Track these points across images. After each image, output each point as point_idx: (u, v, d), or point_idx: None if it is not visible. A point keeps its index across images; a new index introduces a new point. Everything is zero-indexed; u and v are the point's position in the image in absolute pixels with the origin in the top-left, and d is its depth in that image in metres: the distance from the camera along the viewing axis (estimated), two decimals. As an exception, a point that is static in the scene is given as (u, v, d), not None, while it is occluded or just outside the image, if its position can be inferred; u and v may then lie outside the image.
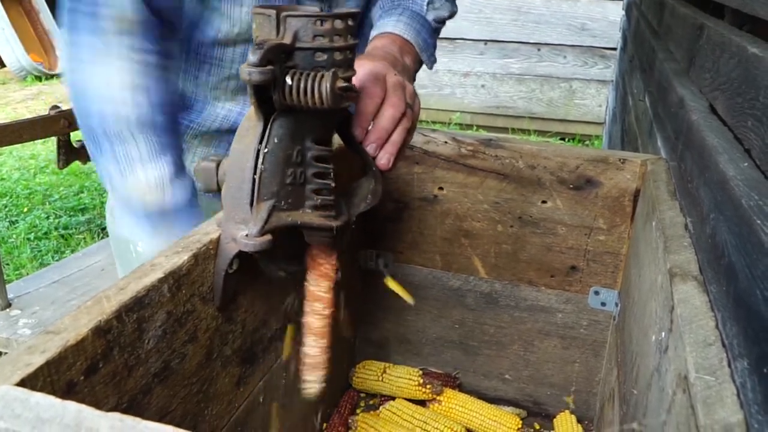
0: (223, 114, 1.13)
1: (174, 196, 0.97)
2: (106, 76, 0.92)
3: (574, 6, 5.04)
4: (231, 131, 1.13)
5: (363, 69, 0.83)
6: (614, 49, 4.91)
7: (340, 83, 0.68)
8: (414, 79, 1.05)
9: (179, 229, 0.96)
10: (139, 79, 0.93)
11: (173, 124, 1.00)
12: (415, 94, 0.90)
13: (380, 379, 1.23)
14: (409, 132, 0.87)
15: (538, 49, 5.20)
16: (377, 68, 0.85)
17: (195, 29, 1.04)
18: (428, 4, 1.14)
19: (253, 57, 0.63)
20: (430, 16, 1.13)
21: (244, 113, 1.11)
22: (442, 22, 1.17)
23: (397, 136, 0.83)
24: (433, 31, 1.14)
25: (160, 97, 0.95)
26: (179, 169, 0.98)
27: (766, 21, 0.83)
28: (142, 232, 1.24)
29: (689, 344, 0.57)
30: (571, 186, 1.08)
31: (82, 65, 0.93)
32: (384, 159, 0.83)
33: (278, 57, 0.67)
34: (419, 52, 1.08)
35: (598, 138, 5.15)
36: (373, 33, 1.09)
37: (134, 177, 0.94)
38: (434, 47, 1.15)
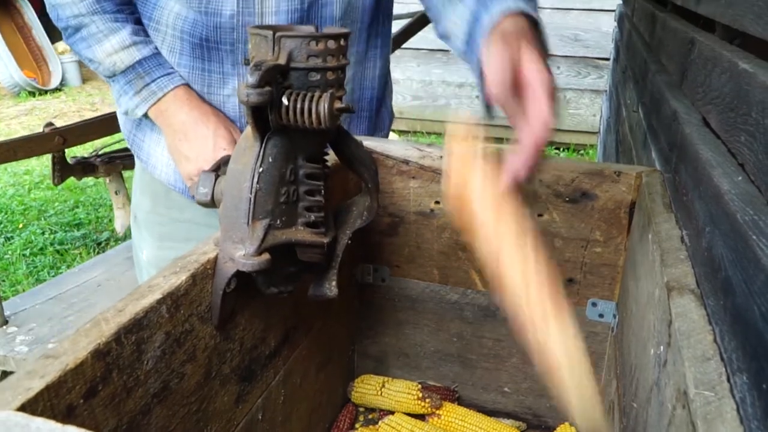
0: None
1: (141, 53, 1.08)
2: None
3: (566, 17, 5.07)
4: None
5: (538, 72, 0.79)
6: (607, 59, 4.94)
7: (338, 104, 0.69)
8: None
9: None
10: None
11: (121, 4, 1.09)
12: (551, 76, 0.83)
13: (379, 393, 1.23)
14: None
15: (532, 60, 5.21)
16: (548, 79, 0.80)
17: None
18: None
19: (251, 78, 0.64)
20: None
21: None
22: None
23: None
24: None
25: None
26: (138, 32, 1.10)
27: (756, 37, 0.83)
28: (146, 240, 1.28)
29: (688, 359, 0.57)
30: (567, 199, 1.09)
31: None
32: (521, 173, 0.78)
33: (274, 78, 0.67)
34: (534, 17, 0.94)
35: (593, 147, 5.17)
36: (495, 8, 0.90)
37: (100, 46, 1.08)
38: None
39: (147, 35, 1.11)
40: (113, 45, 1.07)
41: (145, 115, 1.12)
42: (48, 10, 1.10)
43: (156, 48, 1.10)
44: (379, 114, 1.35)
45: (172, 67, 1.10)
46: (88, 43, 1.09)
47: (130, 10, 1.10)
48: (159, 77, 1.08)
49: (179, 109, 1.08)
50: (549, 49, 0.94)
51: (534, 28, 0.91)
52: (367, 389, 1.25)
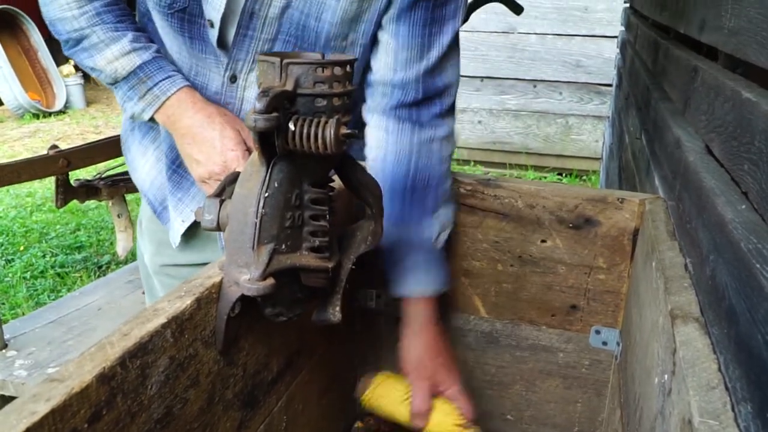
0: None
1: (141, 57, 1.08)
2: None
3: (569, 43, 5.09)
4: None
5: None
6: (609, 85, 4.96)
7: (344, 129, 0.69)
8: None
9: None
10: None
11: (120, 11, 1.10)
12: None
13: (403, 403, 1.10)
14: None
15: (534, 86, 5.24)
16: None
17: None
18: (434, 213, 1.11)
19: (259, 104, 0.64)
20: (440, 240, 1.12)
21: None
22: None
23: None
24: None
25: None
26: (138, 38, 1.10)
27: (759, 66, 0.84)
28: (146, 246, 1.30)
29: (692, 387, 0.57)
30: (571, 225, 1.09)
31: None
32: None
33: (281, 104, 0.68)
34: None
35: (595, 173, 5.17)
36: (401, 289, 1.11)
37: (101, 55, 1.08)
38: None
39: (148, 41, 1.12)
40: (114, 53, 1.08)
41: (153, 119, 1.13)
42: (48, 24, 1.11)
43: (157, 51, 1.11)
44: None
45: (174, 70, 1.10)
46: (89, 53, 1.09)
47: (130, 20, 1.12)
48: (161, 80, 1.08)
49: (184, 113, 1.08)
50: None
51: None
52: (388, 394, 1.12)
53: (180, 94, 1.08)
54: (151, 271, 1.34)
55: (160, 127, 1.16)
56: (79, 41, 1.09)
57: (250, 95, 1.10)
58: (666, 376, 0.66)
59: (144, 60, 1.08)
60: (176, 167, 1.17)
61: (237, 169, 0.97)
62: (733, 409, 0.54)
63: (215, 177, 1.04)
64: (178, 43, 1.09)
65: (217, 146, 1.05)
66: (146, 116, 1.10)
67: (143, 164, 1.26)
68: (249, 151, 1.05)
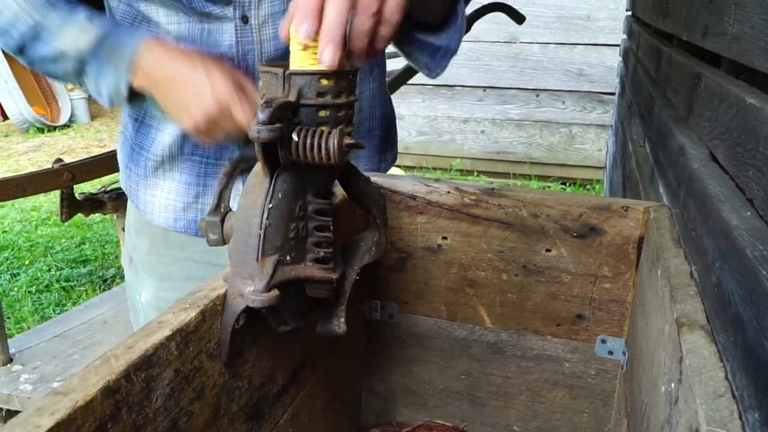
0: (169, 137, 1.15)
1: (102, 28, 1.02)
2: None
3: (571, 52, 5.11)
4: (188, 153, 1.16)
5: None
6: (612, 94, 4.96)
7: (347, 140, 0.70)
8: None
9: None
10: None
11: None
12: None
13: None
14: (377, 26, 0.80)
15: (537, 95, 5.26)
16: None
17: None
18: None
19: (262, 115, 0.64)
20: None
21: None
22: None
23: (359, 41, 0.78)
24: None
25: None
26: (94, 15, 1.04)
27: (762, 72, 0.84)
28: (144, 281, 1.26)
29: (699, 396, 0.57)
30: (575, 234, 1.09)
31: None
32: (324, 55, 0.72)
33: (285, 114, 0.68)
34: None
35: (599, 182, 5.17)
36: None
37: (61, 36, 1.03)
38: None
39: (101, 13, 1.06)
40: (72, 31, 1.02)
41: (132, 97, 1.04)
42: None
43: (113, 21, 1.06)
44: (390, 132, 1.37)
45: (136, 30, 1.04)
46: (47, 42, 1.03)
47: (81, 5, 1.06)
48: (124, 37, 1.01)
49: (158, 62, 1.00)
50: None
51: None
52: None
53: (147, 44, 1.00)
54: (153, 306, 1.27)
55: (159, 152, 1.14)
56: (35, 36, 1.03)
57: (266, 33, 1.05)
58: (672, 384, 0.66)
59: (105, 29, 1.02)
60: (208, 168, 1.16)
61: (231, 109, 0.93)
62: (740, 418, 0.54)
63: (211, 119, 0.95)
64: (176, 11, 1.05)
65: (205, 86, 0.95)
66: (124, 89, 1.02)
67: (157, 199, 1.20)
68: (240, 87, 0.97)
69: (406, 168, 5.56)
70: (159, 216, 1.21)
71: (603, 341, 1.12)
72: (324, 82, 0.72)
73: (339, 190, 0.89)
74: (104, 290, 3.40)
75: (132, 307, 1.34)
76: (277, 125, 0.66)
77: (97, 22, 1.03)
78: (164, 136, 1.16)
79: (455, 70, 5.16)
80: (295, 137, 0.69)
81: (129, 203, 1.29)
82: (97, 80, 1.04)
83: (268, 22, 1.06)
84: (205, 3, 1.03)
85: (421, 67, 1.15)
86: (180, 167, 1.17)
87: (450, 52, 1.12)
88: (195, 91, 0.96)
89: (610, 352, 1.12)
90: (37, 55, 1.06)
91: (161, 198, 1.19)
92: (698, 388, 0.58)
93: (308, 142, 0.69)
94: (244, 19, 1.05)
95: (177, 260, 1.23)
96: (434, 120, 5.48)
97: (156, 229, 1.24)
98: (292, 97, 0.70)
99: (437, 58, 1.12)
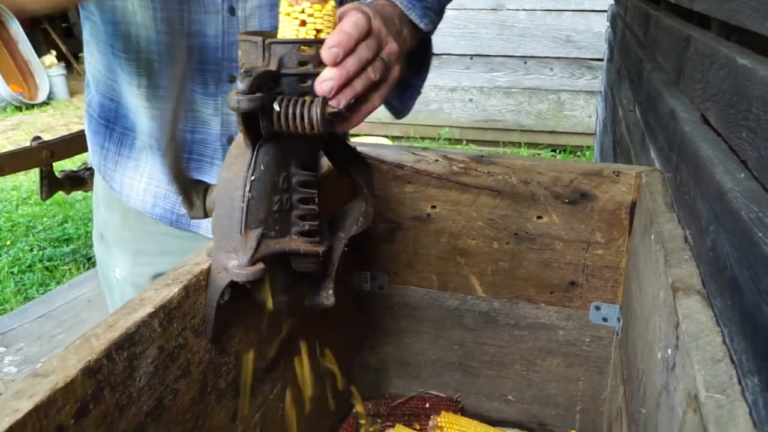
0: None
1: None
2: None
3: (559, 19, 5.07)
4: None
5: (352, 7, 0.77)
6: (601, 60, 4.94)
7: (330, 108, 0.67)
8: (405, 49, 0.92)
9: None
10: None
11: None
12: (397, 58, 0.82)
13: None
14: (376, 90, 0.79)
15: (525, 62, 5.22)
16: (367, 11, 0.78)
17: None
18: None
19: (241, 85, 0.62)
20: None
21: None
22: None
23: (358, 84, 0.75)
24: None
25: None
26: None
27: (754, 32, 0.82)
28: (117, 257, 1.23)
29: (697, 361, 0.56)
30: (566, 200, 1.07)
31: None
32: (336, 101, 0.71)
33: (265, 84, 0.66)
34: (405, 12, 0.95)
35: (589, 149, 5.16)
36: None
37: None
38: (428, 9, 1.00)
39: None
40: None
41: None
42: None
43: None
44: None
45: None
46: None
47: None
48: None
49: None
50: (415, 21, 0.94)
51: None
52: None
53: None
54: (129, 283, 1.24)
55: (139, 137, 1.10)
56: None
57: (253, 25, 1.03)
58: (669, 350, 0.64)
59: None
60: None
61: None
62: (740, 383, 0.53)
63: None
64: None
65: None
66: None
67: (136, 182, 1.16)
68: None
69: (394, 138, 5.53)
70: (136, 199, 1.17)
71: (597, 308, 1.11)
72: (305, 50, 0.69)
73: (325, 162, 0.87)
74: (89, 269, 3.36)
75: (105, 283, 1.31)
76: (258, 95, 0.64)
77: None
78: (144, 124, 1.12)
79: (441, 39, 5.12)
80: (276, 107, 0.67)
81: (97, 179, 1.25)
82: None
83: (255, 14, 1.03)
84: None
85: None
86: (161, 155, 1.14)
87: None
88: None
89: (605, 319, 1.11)
90: None
91: (141, 182, 1.16)
92: (695, 353, 0.57)
93: (290, 111, 0.67)
94: (231, 11, 1.02)
95: (152, 235, 1.20)
96: (421, 89, 5.43)
97: (127, 204, 1.20)
98: (272, 67, 0.68)
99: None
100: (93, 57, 1.15)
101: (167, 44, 1.03)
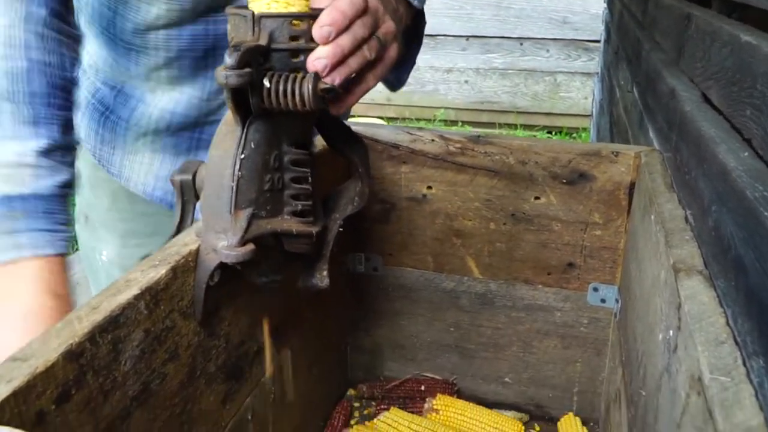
0: (158, 112, 1.07)
1: (36, 184, 0.85)
2: None
3: (555, 0, 5.03)
4: (176, 130, 1.09)
5: None
6: (597, 41, 4.91)
7: (322, 84, 0.65)
8: (401, 28, 0.87)
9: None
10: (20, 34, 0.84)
11: (55, 98, 0.89)
12: (394, 37, 0.78)
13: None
14: (371, 69, 0.76)
15: (521, 44, 5.19)
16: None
17: (113, 13, 0.97)
18: None
19: (229, 59, 0.60)
20: None
21: (178, 111, 1.05)
22: None
23: (353, 62, 0.71)
24: None
25: (45, 60, 0.86)
26: (52, 151, 0.88)
27: (756, 8, 0.80)
28: (104, 239, 1.21)
29: (700, 343, 0.54)
30: (564, 181, 1.05)
31: None
32: (330, 78, 0.68)
33: (255, 59, 0.64)
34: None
35: (585, 130, 5.15)
36: None
37: None
38: None
39: (65, 156, 0.89)
40: (6, 154, 0.84)
41: None
42: None
43: (64, 185, 0.89)
44: None
45: (63, 221, 0.89)
46: None
47: (63, 104, 0.89)
48: (36, 230, 0.85)
49: (33, 293, 0.85)
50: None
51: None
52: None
53: (47, 265, 0.87)
54: (116, 265, 1.20)
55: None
56: None
57: None
58: (671, 331, 0.63)
59: (36, 190, 0.85)
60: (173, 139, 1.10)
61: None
62: (744, 364, 0.51)
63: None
64: None
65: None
66: None
67: (137, 166, 1.12)
68: None
69: (389, 119, 5.49)
70: (137, 182, 1.15)
71: (595, 289, 1.09)
72: (297, 24, 0.67)
73: (319, 140, 0.85)
74: (77, 250, 3.33)
75: (89, 267, 1.27)
76: (247, 70, 0.61)
77: (41, 170, 0.86)
78: (149, 109, 1.09)
79: (437, 20, 5.08)
80: (266, 83, 0.65)
81: (79, 161, 1.21)
82: None
83: None
84: None
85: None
86: (166, 140, 1.11)
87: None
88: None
89: (603, 300, 1.09)
90: None
91: (143, 165, 1.13)
92: (699, 335, 0.55)
93: (281, 87, 0.65)
94: None
95: (142, 215, 1.17)
96: (416, 70, 5.34)
97: (117, 185, 1.17)
98: (262, 41, 0.66)
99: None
100: (92, 46, 1.12)
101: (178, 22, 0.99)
